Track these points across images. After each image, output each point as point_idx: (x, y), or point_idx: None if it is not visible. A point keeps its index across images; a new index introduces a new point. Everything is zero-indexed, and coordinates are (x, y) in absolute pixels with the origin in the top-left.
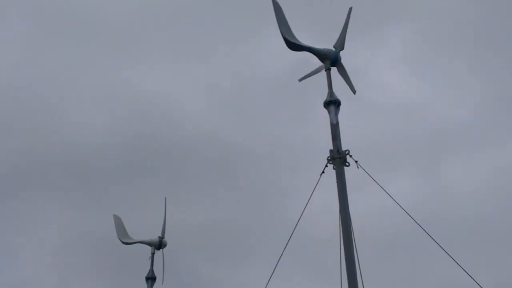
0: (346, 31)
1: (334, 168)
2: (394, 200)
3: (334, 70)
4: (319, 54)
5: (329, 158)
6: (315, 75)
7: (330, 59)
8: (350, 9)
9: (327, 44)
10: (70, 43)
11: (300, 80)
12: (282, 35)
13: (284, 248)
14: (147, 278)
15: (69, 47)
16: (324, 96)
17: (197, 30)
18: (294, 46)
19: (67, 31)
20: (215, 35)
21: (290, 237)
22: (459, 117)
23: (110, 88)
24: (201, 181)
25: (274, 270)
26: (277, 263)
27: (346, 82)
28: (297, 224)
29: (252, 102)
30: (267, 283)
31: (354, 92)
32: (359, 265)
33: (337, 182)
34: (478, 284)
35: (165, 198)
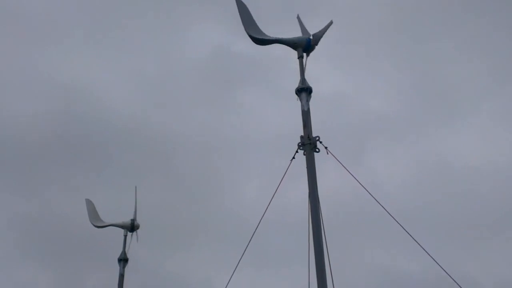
0: (324, 32)
1: (304, 154)
2: (362, 186)
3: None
4: (291, 43)
5: (300, 144)
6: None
7: (302, 47)
8: (331, 23)
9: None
10: None
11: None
12: (247, 33)
13: (250, 238)
14: (119, 260)
15: None
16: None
17: (120, 17)
18: (261, 41)
19: None
20: (139, 23)
21: (256, 229)
22: (379, 107)
23: (33, 76)
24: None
25: (238, 263)
26: (243, 254)
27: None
28: (265, 212)
29: (179, 87)
30: (231, 276)
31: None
32: (327, 251)
33: (307, 167)
34: (443, 269)
35: (135, 186)
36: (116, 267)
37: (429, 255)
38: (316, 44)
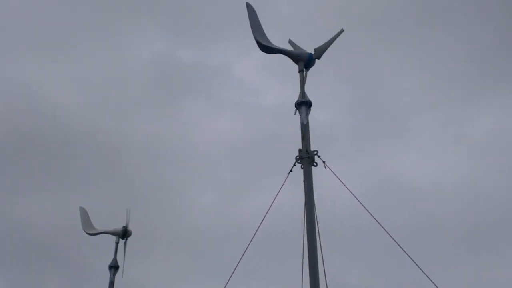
0: (330, 45)
1: (302, 168)
2: (358, 200)
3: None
4: (293, 56)
5: (298, 157)
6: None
7: (304, 61)
8: (342, 31)
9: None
10: None
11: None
12: (254, 38)
13: (245, 249)
14: (110, 267)
15: None
16: None
17: (67, 19)
18: (267, 48)
19: None
20: (86, 26)
21: (252, 238)
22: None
23: None
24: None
25: (232, 274)
26: (237, 265)
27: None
28: (260, 224)
29: (125, 92)
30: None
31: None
32: (323, 262)
33: (304, 181)
34: (430, 279)
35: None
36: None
37: (420, 268)
38: (319, 58)
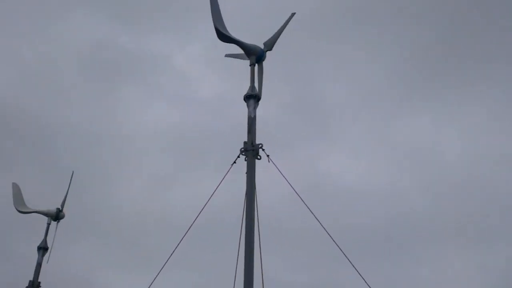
0: (280, 34)
1: (245, 160)
2: (298, 195)
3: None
4: (246, 48)
5: (242, 149)
6: (240, 59)
7: (255, 55)
8: (293, 14)
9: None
10: None
11: (227, 56)
12: (214, 25)
13: (180, 240)
14: (39, 248)
15: None
16: None
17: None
18: (224, 37)
19: None
20: (22, 9)
21: (189, 228)
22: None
23: None
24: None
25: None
26: (171, 254)
27: (259, 83)
28: (199, 214)
29: (57, 75)
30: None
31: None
32: (260, 253)
33: (247, 173)
34: (360, 274)
35: (72, 171)
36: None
37: (350, 262)
38: (271, 49)
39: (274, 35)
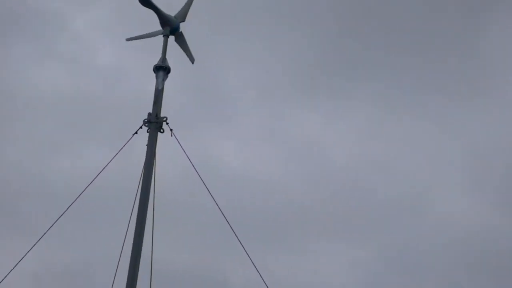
0: (190, 4)
1: (148, 131)
2: (196, 171)
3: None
4: (163, 18)
5: (146, 121)
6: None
7: (171, 27)
8: None
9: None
10: None
11: (128, 39)
12: None
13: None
14: None
15: None
16: None
17: None
18: (146, 2)
19: None
20: None
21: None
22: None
23: None
24: None
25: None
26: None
27: (185, 52)
28: (88, 185)
29: None
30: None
31: (193, 61)
32: (152, 231)
33: (147, 145)
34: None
35: None
36: None
37: (245, 251)
38: (184, 20)
39: (184, 5)
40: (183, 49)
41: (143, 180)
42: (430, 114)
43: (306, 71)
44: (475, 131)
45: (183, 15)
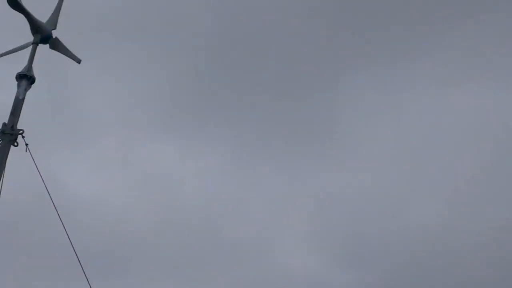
0: (59, 11)
1: None
2: (49, 194)
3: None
4: (35, 25)
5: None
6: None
7: (42, 34)
8: None
9: None
10: None
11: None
12: None
13: None
14: None
15: None
16: None
17: None
18: (16, 4)
19: None
20: None
21: None
22: None
23: None
24: None
25: None
26: None
27: (67, 55)
28: None
29: None
30: None
31: (79, 61)
32: None
33: None
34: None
35: None
36: None
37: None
38: (55, 28)
39: (54, 11)
40: (64, 54)
41: None
42: (283, 163)
43: (167, 104)
44: (325, 184)
45: (53, 22)
